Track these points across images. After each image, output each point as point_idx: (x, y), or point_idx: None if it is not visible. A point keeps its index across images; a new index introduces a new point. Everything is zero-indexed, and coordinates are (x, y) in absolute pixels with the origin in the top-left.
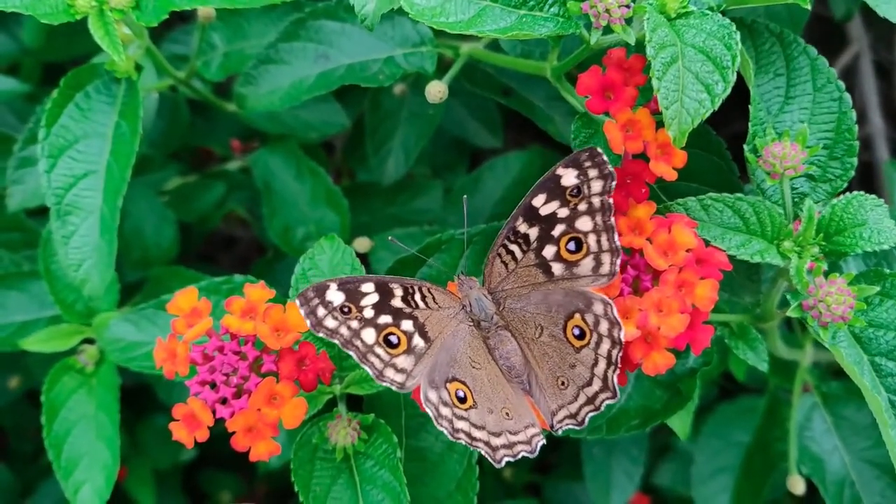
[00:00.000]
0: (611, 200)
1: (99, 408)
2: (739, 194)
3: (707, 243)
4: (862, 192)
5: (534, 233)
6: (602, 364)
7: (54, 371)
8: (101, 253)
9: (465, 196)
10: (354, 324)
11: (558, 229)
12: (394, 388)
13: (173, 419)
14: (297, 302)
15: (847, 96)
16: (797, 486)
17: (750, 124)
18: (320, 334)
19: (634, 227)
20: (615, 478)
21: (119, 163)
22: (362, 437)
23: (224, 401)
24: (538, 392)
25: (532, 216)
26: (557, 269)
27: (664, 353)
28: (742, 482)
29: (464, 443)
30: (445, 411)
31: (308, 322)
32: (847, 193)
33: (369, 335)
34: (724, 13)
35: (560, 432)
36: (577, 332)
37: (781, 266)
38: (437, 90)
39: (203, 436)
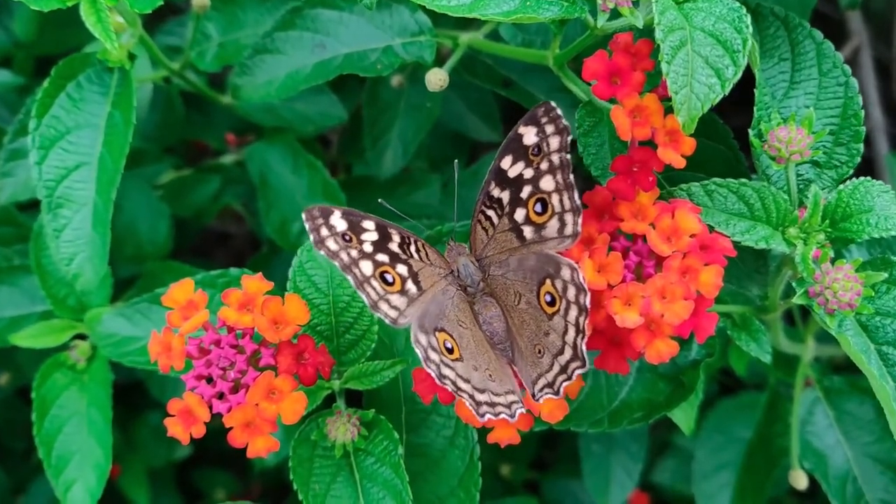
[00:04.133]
0: (569, 156)
1: (91, 404)
2: (744, 180)
3: (711, 229)
4: (868, 178)
5: (506, 196)
6: (571, 332)
7: (45, 367)
8: (95, 246)
9: (455, 160)
10: (354, 253)
11: (525, 191)
12: (387, 321)
13: (168, 415)
14: (303, 216)
15: (853, 81)
16: (799, 481)
17: (755, 109)
18: (321, 252)
19: (637, 213)
20: (614, 474)
21: (112, 154)
22: (362, 434)
23: (221, 395)
24: (520, 361)
25: (503, 179)
26: (528, 232)
27: (668, 340)
28: (744, 478)
29: (449, 389)
30: (434, 356)
31: (311, 237)
32: (853, 179)
33: (367, 267)
34: None
35: (541, 401)
36: (548, 298)
37: (787, 253)
38: (437, 78)
39: (199, 432)
